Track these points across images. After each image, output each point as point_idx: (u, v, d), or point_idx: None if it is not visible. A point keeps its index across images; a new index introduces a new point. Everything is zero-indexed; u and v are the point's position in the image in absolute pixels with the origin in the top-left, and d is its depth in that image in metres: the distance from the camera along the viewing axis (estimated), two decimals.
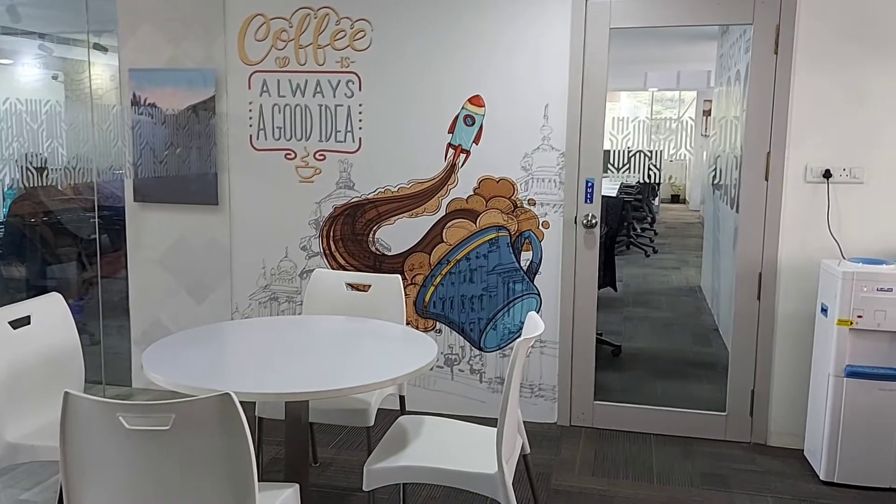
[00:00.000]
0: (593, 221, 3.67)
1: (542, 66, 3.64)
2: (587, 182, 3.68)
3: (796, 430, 3.53)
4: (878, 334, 3.02)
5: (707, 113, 11.66)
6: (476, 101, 3.74)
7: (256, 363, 2.25)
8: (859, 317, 3.00)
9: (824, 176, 3.38)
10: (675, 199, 12.88)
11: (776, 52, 3.39)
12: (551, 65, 3.63)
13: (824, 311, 3.19)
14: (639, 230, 9.07)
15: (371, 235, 3.94)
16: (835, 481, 3.14)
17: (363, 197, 3.93)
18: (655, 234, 9.41)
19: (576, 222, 3.70)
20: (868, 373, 3.03)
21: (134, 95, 4.07)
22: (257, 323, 2.74)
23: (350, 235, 3.97)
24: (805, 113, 3.38)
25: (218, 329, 2.63)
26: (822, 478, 3.17)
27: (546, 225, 3.74)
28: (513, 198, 3.76)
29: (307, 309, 3.15)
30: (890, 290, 2.96)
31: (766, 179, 3.48)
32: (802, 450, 3.48)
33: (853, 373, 3.05)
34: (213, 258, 4.14)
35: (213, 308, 4.17)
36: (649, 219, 9.46)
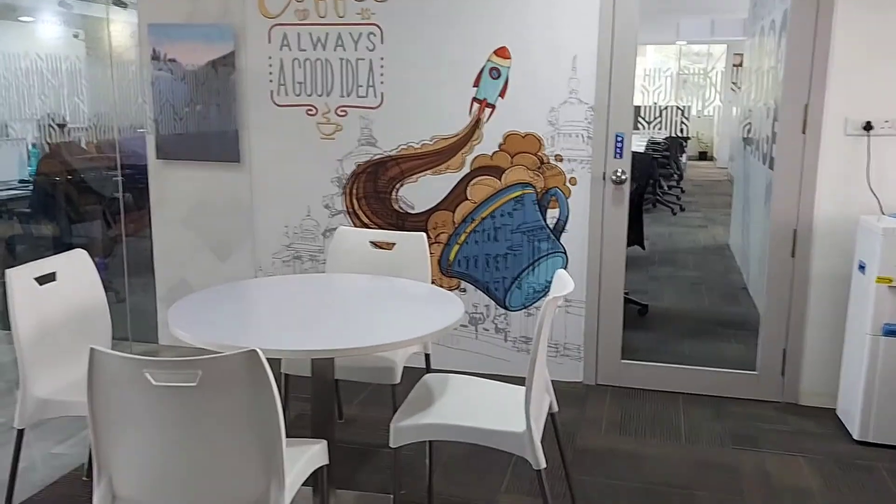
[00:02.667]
0: (623, 177, 3.58)
1: (570, 16, 3.51)
2: (617, 137, 3.57)
3: (829, 390, 3.46)
4: None
5: (738, 66, 11.35)
6: (502, 52, 3.63)
7: (282, 321, 2.22)
8: None
9: (865, 128, 3.25)
10: (703, 156, 12.67)
11: None
12: (580, 15, 3.50)
13: (862, 268, 3.09)
14: (666, 187, 8.92)
15: (394, 193, 3.89)
16: (869, 440, 3.08)
17: (385, 154, 3.86)
18: (682, 191, 9.25)
19: (604, 178, 3.61)
20: None
21: (154, 51, 4.01)
22: (282, 281, 2.71)
23: (373, 193, 3.91)
24: (845, 63, 3.24)
25: (243, 286, 2.61)
26: (855, 437, 3.11)
27: (573, 181, 3.66)
28: (539, 153, 3.67)
29: (330, 267, 3.11)
30: None
31: (804, 132, 3.35)
32: (835, 409, 3.42)
33: (891, 331, 2.96)
34: (236, 216, 4.11)
35: (237, 266, 4.16)
36: (676, 176, 9.30)
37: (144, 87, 4.08)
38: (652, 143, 8.93)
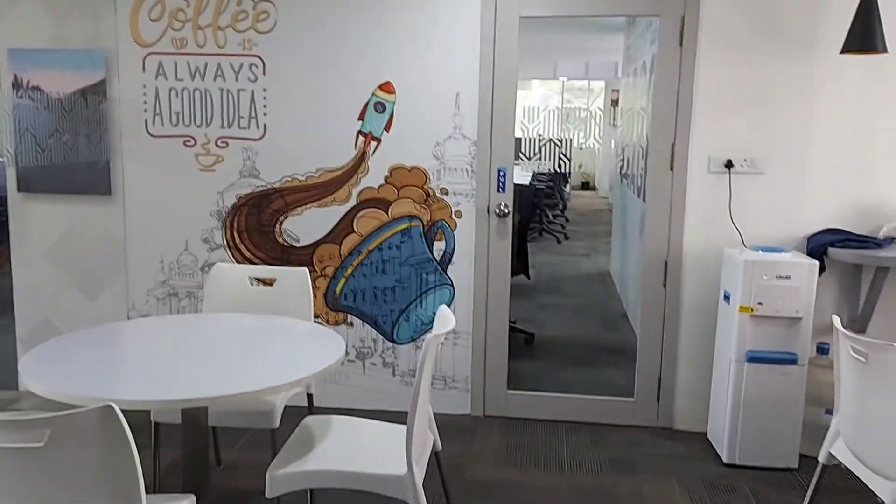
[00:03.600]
0: (506, 211, 3.65)
1: (452, 53, 3.58)
2: (499, 171, 3.65)
3: (700, 415, 3.63)
4: (777, 320, 3.13)
5: (615, 103, 11.93)
6: (387, 87, 3.65)
7: (150, 367, 2.10)
8: (760, 303, 3.10)
9: (726, 166, 3.47)
10: (585, 185, 13.17)
11: (681, 44, 3.44)
12: (462, 52, 3.57)
13: (727, 298, 3.28)
14: (551, 217, 9.20)
15: (278, 226, 3.80)
16: (736, 463, 3.25)
17: (269, 186, 3.77)
18: (567, 220, 9.57)
19: (488, 211, 3.67)
20: (768, 357, 3.14)
21: (15, 78, 3.76)
22: (153, 322, 2.58)
23: (255, 226, 3.81)
24: (709, 104, 3.46)
25: (110, 329, 2.46)
26: (724, 460, 3.28)
27: (459, 214, 3.70)
28: (425, 187, 3.69)
29: (208, 306, 2.99)
30: (788, 277, 3.07)
31: (671, 169, 3.54)
32: (706, 433, 3.59)
33: (753, 358, 3.15)
34: (107, 252, 3.89)
35: (108, 305, 3.93)
36: (561, 206, 9.62)
37: (3, 116, 3.81)
38: (538, 175, 9.21)
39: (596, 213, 10.62)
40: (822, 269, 3.20)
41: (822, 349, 3.32)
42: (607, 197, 11.72)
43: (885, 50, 3.00)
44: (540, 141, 10.64)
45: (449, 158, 3.66)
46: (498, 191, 3.66)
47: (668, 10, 3.44)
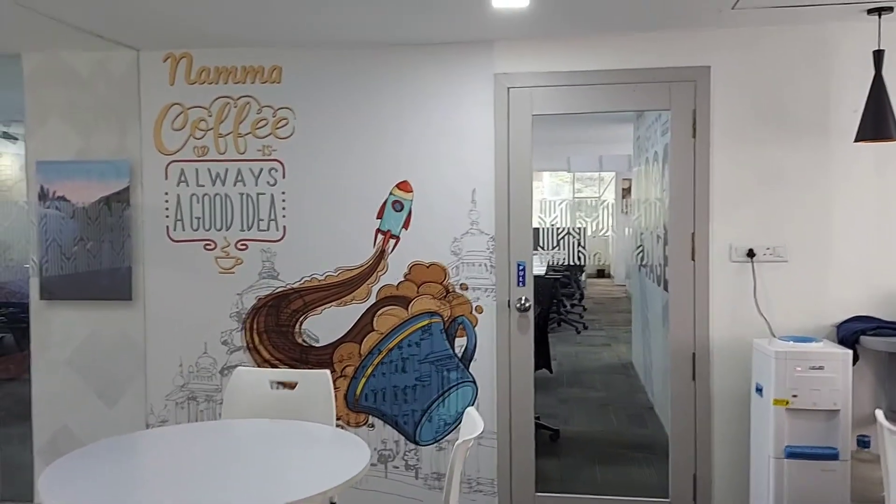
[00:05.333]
0: (526, 305, 3.62)
1: (468, 151, 3.64)
2: (518, 265, 3.64)
3: None
4: (814, 413, 3.01)
5: (626, 192, 12.05)
6: (404, 186, 3.70)
7: (170, 483, 2.04)
8: (794, 396, 3.00)
9: (748, 255, 3.44)
10: (601, 273, 13.16)
11: (694, 136, 3.48)
12: (477, 150, 3.63)
13: (759, 390, 3.18)
14: (568, 306, 9.13)
15: (297, 326, 3.77)
16: None
17: (288, 286, 3.77)
18: (584, 309, 9.49)
19: (509, 306, 3.64)
20: (808, 453, 3.01)
21: (42, 188, 3.85)
22: (172, 432, 2.52)
23: (275, 327, 3.78)
24: (726, 193, 3.46)
25: (129, 441, 2.40)
26: None
27: (479, 309, 3.66)
28: (444, 283, 3.68)
29: (228, 411, 2.93)
30: (821, 367, 2.98)
31: (693, 259, 3.51)
32: None
33: (793, 453, 3.02)
34: (127, 357, 3.86)
35: (127, 412, 3.87)
36: (578, 295, 9.57)
37: (30, 228, 3.88)
38: (552, 266, 9.21)
39: (613, 302, 10.54)
40: (855, 359, 3.11)
41: (864, 442, 3.18)
42: (624, 285, 11.66)
43: None
44: (557, 233, 10.72)
45: (467, 254, 3.66)
46: (518, 285, 3.64)
47: (679, 104, 3.50)
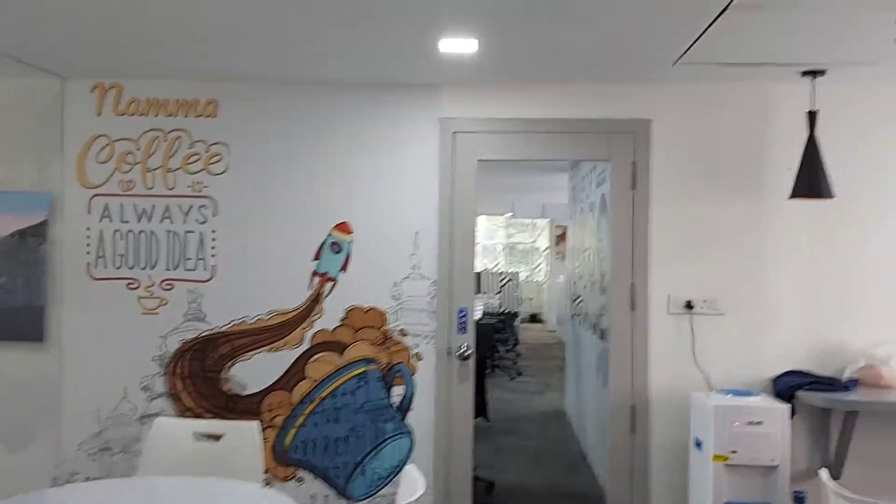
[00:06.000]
0: (467, 353, 3.53)
1: (411, 193, 3.56)
2: (460, 311, 3.56)
3: None
4: (752, 469, 3.00)
5: (560, 237, 12.18)
6: (343, 227, 3.58)
7: None
8: (734, 452, 2.99)
9: (687, 307, 3.45)
10: (534, 318, 13.21)
11: (633, 188, 3.51)
12: (421, 193, 3.56)
13: (698, 444, 3.16)
14: (502, 352, 9.08)
15: (224, 372, 3.57)
16: None
17: (215, 330, 3.58)
18: (518, 355, 9.46)
19: (449, 354, 3.54)
20: None
21: None
22: (83, 491, 2.29)
23: (200, 373, 3.57)
24: (665, 245, 3.48)
25: (35, 501, 2.17)
26: None
27: (419, 357, 3.55)
28: (383, 328, 3.56)
29: (147, 465, 2.70)
30: (760, 422, 2.98)
31: (633, 310, 3.50)
32: None
33: None
34: (38, 402, 3.57)
35: (34, 460, 3.56)
36: (512, 340, 9.54)
37: None
38: (488, 310, 9.18)
39: (546, 348, 10.56)
40: (792, 413, 3.13)
41: (799, 498, 3.19)
42: (556, 330, 11.73)
43: (831, 196, 3.10)
44: (499, 278, 10.71)
45: (408, 299, 3.56)
46: (459, 332, 3.55)
47: (619, 156, 3.53)
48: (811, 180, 3.12)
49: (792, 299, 3.43)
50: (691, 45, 2.87)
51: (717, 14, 2.50)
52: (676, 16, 2.55)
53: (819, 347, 3.41)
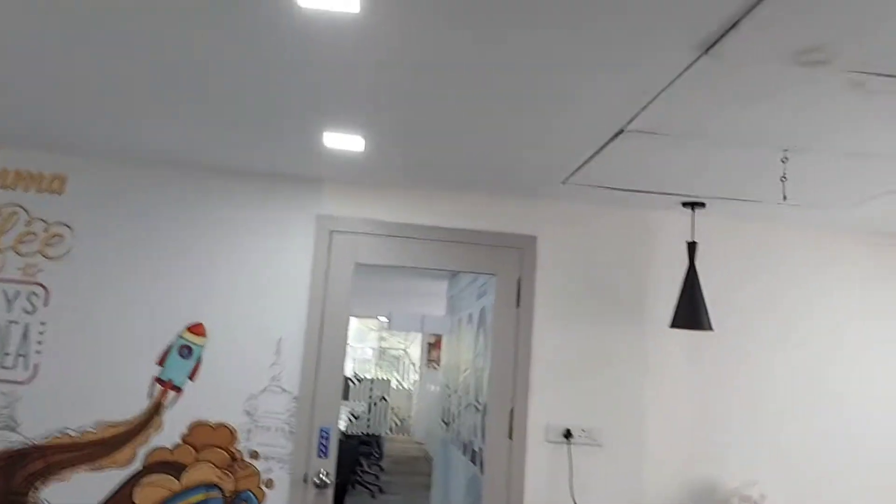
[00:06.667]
0: (326, 481, 3.14)
1: (278, 295, 3.23)
2: (322, 432, 3.19)
3: None
4: None
5: (433, 346, 11.97)
6: (196, 329, 3.18)
7: None
8: None
9: (565, 436, 3.26)
10: (401, 428, 12.72)
11: (518, 305, 3.36)
12: (289, 295, 3.24)
13: None
14: (365, 466, 8.55)
15: (33, 495, 2.98)
16: None
17: (29, 442, 3.01)
18: (382, 469, 8.95)
19: (305, 481, 3.13)
20: None
21: None
22: None
23: (3, 495, 2.96)
24: (546, 368, 3.32)
25: None
26: None
27: (269, 484, 3.12)
28: (231, 448, 3.12)
29: None
30: None
31: (510, 438, 3.27)
32: None
33: None
34: None
35: None
36: (377, 454, 9.03)
37: None
38: (354, 418, 8.69)
39: (412, 462, 10.10)
40: None
41: None
42: (424, 443, 11.31)
43: (710, 328, 3.07)
44: (368, 386, 10.24)
45: (263, 415, 3.16)
46: (319, 455, 3.17)
47: (505, 271, 3.39)
48: (690, 311, 3.08)
49: (670, 433, 3.33)
50: (581, 167, 2.81)
51: (609, 139, 2.45)
52: (568, 138, 2.48)
53: (696, 485, 3.29)
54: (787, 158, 2.36)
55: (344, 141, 2.69)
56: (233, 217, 3.25)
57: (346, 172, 3.15)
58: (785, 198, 2.51)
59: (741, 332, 3.41)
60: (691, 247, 3.16)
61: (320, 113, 2.42)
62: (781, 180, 2.39)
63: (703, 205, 3.20)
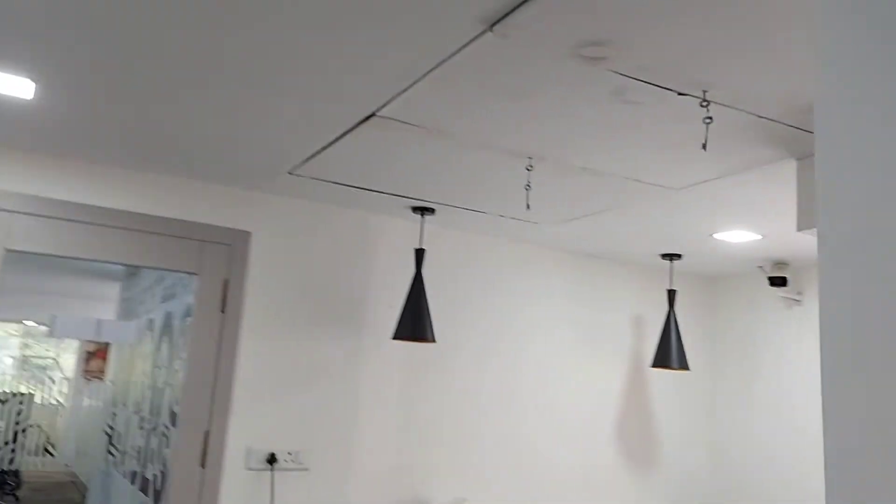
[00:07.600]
0: None
1: None
2: None
3: None
4: None
5: (91, 355, 10.50)
6: None
7: None
8: None
9: (269, 462, 2.86)
10: (46, 450, 10.87)
11: (223, 311, 2.88)
12: None
13: None
14: None
15: None
16: None
17: None
18: (17, 500, 7.46)
19: None
20: None
21: None
22: None
23: None
24: (251, 385, 2.88)
25: None
26: None
27: None
28: None
29: None
30: None
31: (203, 466, 2.76)
32: None
33: None
34: None
35: None
36: (12, 482, 7.51)
37: None
38: None
39: (57, 488, 8.64)
40: None
41: None
42: (71, 466, 9.77)
43: (433, 340, 2.92)
44: (4, 398, 8.46)
45: None
46: None
47: (209, 269, 2.88)
48: (415, 322, 2.90)
49: (380, 451, 3.10)
50: (315, 154, 2.48)
51: (356, 123, 2.16)
52: (309, 118, 2.13)
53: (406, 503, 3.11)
54: (532, 167, 2.29)
55: (4, 81, 2.00)
56: None
57: (2, 126, 2.39)
58: (528, 206, 2.44)
59: (459, 343, 3.33)
60: (419, 254, 2.99)
61: None
62: (526, 188, 2.32)
63: (432, 210, 3.06)
